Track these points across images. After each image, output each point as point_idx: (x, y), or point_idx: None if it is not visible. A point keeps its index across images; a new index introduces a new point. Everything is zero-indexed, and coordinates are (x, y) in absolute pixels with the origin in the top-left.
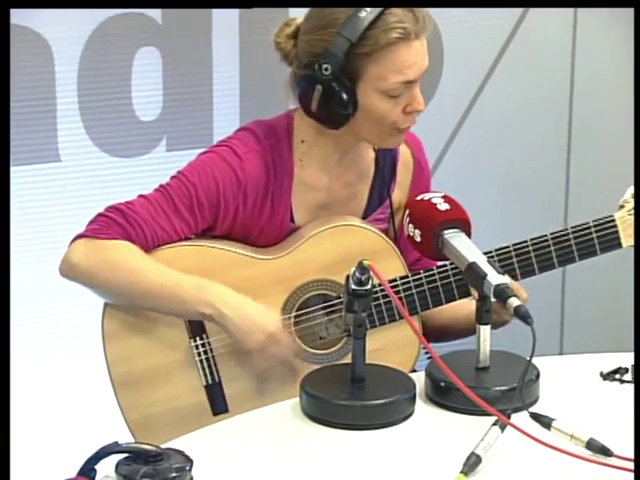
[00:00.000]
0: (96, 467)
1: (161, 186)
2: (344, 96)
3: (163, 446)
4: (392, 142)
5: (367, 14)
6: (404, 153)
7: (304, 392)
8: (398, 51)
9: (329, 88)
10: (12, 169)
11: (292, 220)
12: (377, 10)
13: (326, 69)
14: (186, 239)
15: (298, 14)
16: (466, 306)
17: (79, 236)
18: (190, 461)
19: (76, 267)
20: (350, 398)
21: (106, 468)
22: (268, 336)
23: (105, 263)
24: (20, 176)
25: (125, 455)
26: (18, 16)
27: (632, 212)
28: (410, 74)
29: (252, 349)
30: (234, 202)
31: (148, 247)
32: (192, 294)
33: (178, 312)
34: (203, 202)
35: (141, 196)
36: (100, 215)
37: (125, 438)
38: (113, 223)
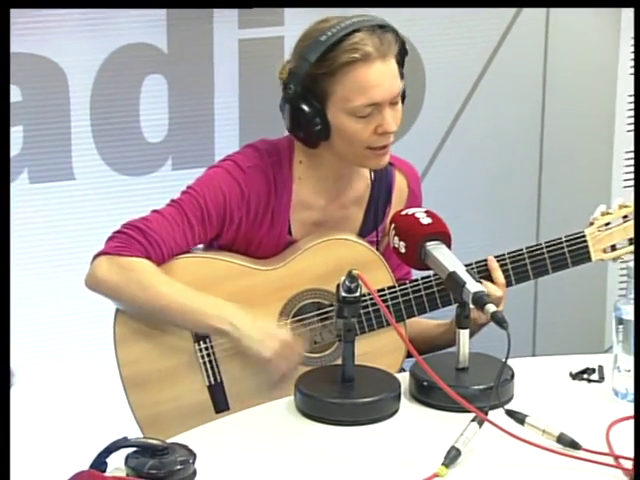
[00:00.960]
0: (107, 460)
1: (173, 201)
2: (310, 114)
3: (168, 441)
4: (372, 163)
5: (328, 38)
6: (400, 182)
7: (298, 391)
8: (358, 71)
9: (295, 106)
10: (30, 186)
11: (290, 233)
12: (340, 34)
13: (290, 88)
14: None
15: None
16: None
17: (102, 253)
18: (193, 455)
19: (102, 283)
20: (340, 396)
21: (116, 461)
22: (281, 342)
23: (130, 280)
24: (37, 193)
25: (134, 449)
26: (36, 46)
27: (601, 228)
28: (374, 96)
29: (268, 357)
30: (238, 212)
31: (164, 261)
32: (212, 313)
33: (195, 327)
34: (212, 213)
35: (156, 212)
36: (120, 232)
37: (133, 434)
38: (134, 242)
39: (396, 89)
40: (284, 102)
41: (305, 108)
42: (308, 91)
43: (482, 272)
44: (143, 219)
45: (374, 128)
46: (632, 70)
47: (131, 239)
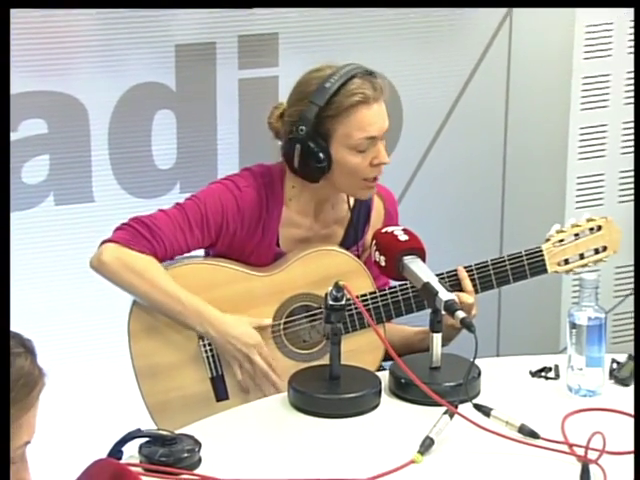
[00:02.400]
0: (122, 449)
1: (178, 204)
2: (319, 152)
3: (177, 432)
4: (363, 194)
5: (332, 84)
6: (378, 204)
7: (291, 388)
8: (360, 112)
9: (306, 146)
10: (55, 208)
11: (278, 246)
12: (341, 81)
13: (302, 130)
14: (195, 256)
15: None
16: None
17: (110, 241)
18: (199, 444)
19: (106, 265)
20: (328, 392)
21: (131, 450)
22: (248, 349)
23: (132, 270)
24: (62, 214)
25: (146, 439)
26: (60, 85)
27: (556, 244)
28: (372, 131)
29: (231, 363)
30: (234, 224)
31: (166, 257)
32: (192, 314)
33: (178, 322)
34: (210, 220)
35: (162, 211)
36: (128, 225)
37: (146, 425)
38: (141, 237)
39: (386, 126)
40: (294, 142)
41: (314, 146)
42: (315, 132)
43: (453, 280)
44: (150, 216)
45: (370, 160)
46: (582, 107)
47: (138, 233)
